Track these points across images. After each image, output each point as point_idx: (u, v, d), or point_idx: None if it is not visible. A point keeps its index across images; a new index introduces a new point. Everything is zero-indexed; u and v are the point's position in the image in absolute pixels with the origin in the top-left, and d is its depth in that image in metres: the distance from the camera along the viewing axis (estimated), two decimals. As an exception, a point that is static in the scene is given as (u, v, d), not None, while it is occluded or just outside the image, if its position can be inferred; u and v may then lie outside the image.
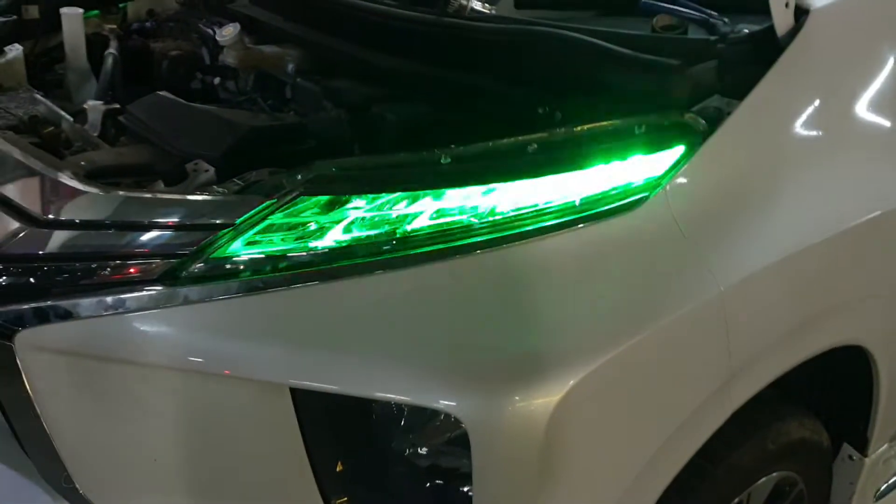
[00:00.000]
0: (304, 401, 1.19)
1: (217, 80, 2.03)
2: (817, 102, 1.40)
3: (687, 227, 1.27)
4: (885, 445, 1.76)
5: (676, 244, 1.26)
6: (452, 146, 1.26)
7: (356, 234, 1.24)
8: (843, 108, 1.43)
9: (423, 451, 1.22)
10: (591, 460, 1.22)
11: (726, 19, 1.47)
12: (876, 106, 1.45)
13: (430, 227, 1.23)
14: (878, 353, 1.55)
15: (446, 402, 1.15)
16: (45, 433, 1.28)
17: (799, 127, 1.38)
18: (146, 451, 1.26)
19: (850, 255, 1.42)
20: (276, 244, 1.24)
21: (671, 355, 1.24)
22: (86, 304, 1.24)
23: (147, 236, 1.27)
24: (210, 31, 2.10)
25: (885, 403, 1.63)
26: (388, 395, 1.18)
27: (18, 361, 1.26)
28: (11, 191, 1.37)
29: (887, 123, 1.47)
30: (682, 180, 1.28)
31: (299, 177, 1.25)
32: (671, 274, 1.25)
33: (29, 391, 1.27)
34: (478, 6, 1.62)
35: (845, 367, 1.58)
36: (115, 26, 2.13)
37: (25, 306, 1.25)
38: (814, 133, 1.40)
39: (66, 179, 1.34)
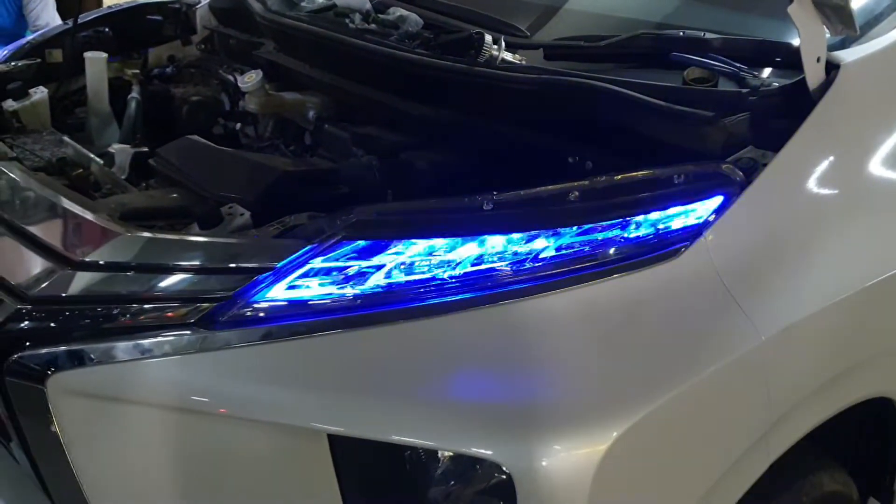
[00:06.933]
0: (342, 448, 1.18)
1: (238, 126, 2.05)
2: (850, 155, 1.42)
3: (727, 276, 1.27)
4: (911, 500, 1.75)
5: (717, 293, 1.26)
6: (494, 193, 1.26)
7: (397, 279, 1.23)
8: (875, 161, 1.44)
9: (466, 500, 1.20)
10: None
11: (756, 72, 1.49)
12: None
13: (471, 273, 1.23)
14: (905, 405, 1.54)
15: (492, 451, 1.14)
16: (75, 480, 1.25)
17: (833, 179, 1.39)
18: (180, 498, 1.23)
19: (883, 307, 1.43)
20: (317, 289, 1.23)
21: (713, 406, 1.24)
22: (122, 347, 1.22)
23: (185, 279, 1.26)
24: (231, 77, 2.11)
25: (912, 457, 1.63)
26: (432, 444, 1.17)
27: (50, 405, 1.24)
28: (46, 232, 1.36)
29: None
30: (721, 230, 1.28)
31: (340, 221, 1.25)
32: (712, 323, 1.25)
33: (59, 436, 1.24)
34: (508, 57, 1.63)
35: (873, 419, 1.58)
36: (137, 71, 2.14)
37: (59, 349, 1.23)
38: (847, 185, 1.41)
39: (102, 221, 1.33)
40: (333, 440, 1.17)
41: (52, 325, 1.27)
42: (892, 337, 1.48)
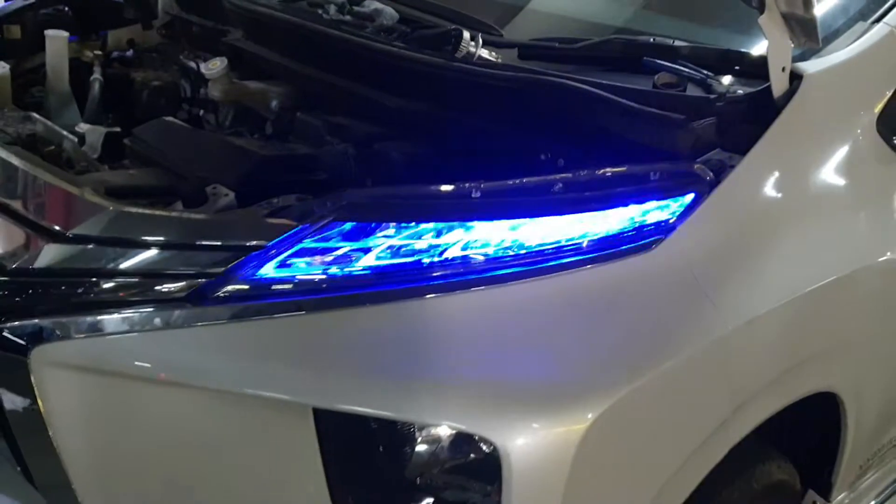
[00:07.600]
0: (326, 423, 1.20)
1: (201, 113, 2.04)
2: (811, 161, 1.50)
3: (697, 268, 1.33)
4: (846, 492, 1.84)
5: (688, 285, 1.32)
6: (481, 181, 1.30)
7: (386, 261, 1.26)
8: (833, 167, 1.53)
9: (449, 477, 1.23)
10: (605, 492, 1.26)
11: (723, 80, 1.57)
12: (859, 167, 1.56)
13: (458, 257, 1.27)
14: (848, 400, 1.63)
15: (470, 426, 1.18)
16: (57, 457, 1.24)
17: (794, 183, 1.48)
18: (164, 475, 1.23)
19: (834, 306, 1.51)
20: (307, 269, 1.25)
21: (682, 391, 1.29)
22: (110, 320, 1.22)
23: (175, 255, 1.26)
24: (191, 63, 2.10)
25: (850, 450, 1.72)
26: (416, 419, 1.19)
27: (32, 378, 1.22)
28: (31, 206, 1.34)
29: (868, 183, 1.58)
30: (693, 225, 1.35)
31: (331, 203, 1.27)
32: (684, 312, 1.31)
33: (41, 410, 1.23)
34: (485, 54, 1.68)
35: (817, 414, 1.67)
36: (99, 52, 2.11)
37: (44, 321, 1.23)
38: (806, 189, 1.50)
39: (89, 195, 1.32)
40: (318, 414, 1.19)
41: (39, 297, 1.26)
42: (840, 334, 1.57)
